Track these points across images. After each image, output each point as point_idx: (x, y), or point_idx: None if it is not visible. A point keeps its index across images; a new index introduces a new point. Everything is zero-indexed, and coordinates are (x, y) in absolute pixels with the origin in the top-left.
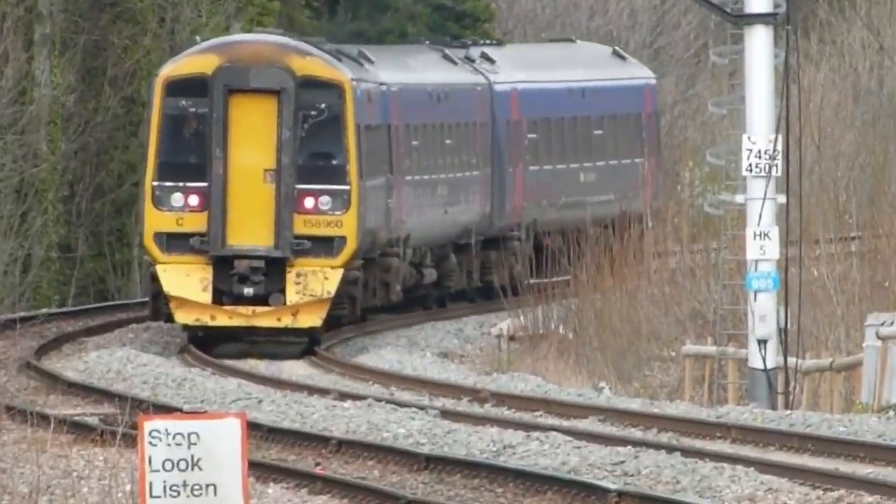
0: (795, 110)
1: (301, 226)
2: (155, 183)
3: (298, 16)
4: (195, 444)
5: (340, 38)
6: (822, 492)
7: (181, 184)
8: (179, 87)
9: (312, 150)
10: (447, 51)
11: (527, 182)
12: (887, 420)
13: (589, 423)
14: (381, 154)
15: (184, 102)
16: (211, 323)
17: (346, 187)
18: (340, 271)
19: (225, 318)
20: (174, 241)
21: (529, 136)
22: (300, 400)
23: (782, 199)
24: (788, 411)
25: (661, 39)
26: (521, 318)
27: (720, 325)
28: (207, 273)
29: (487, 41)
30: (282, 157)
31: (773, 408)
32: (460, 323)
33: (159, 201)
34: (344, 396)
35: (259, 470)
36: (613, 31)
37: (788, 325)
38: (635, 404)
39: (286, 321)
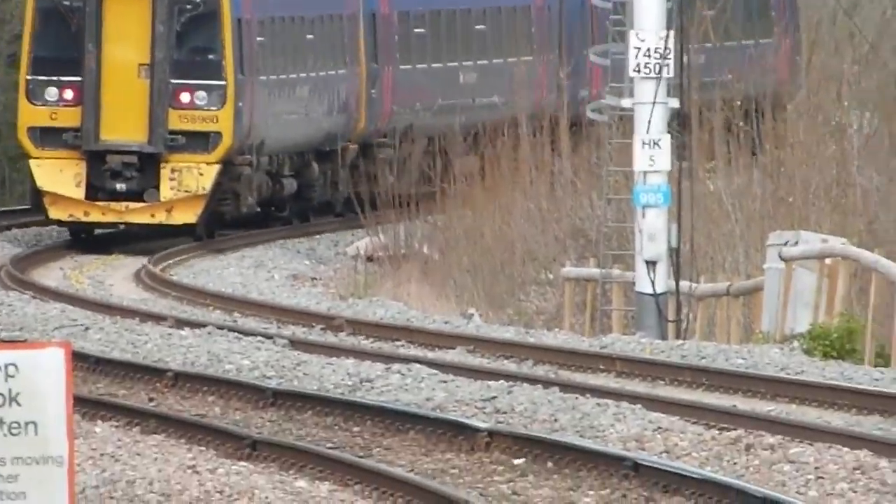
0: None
1: (176, 121)
2: (29, 77)
3: None
4: (13, 376)
5: None
6: (717, 431)
7: (55, 78)
8: None
9: (189, 46)
10: None
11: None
12: (790, 351)
13: (456, 355)
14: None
15: None
16: (84, 219)
17: (222, 83)
18: (216, 167)
19: (98, 214)
20: (48, 136)
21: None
22: (132, 327)
23: (674, 103)
24: (680, 341)
25: None
26: (381, 236)
27: (604, 244)
28: (81, 168)
29: None
30: (156, 52)
31: (664, 338)
32: (313, 241)
33: (33, 95)
34: (181, 323)
35: (86, 406)
36: None
37: (681, 245)
38: (508, 333)
39: (160, 217)
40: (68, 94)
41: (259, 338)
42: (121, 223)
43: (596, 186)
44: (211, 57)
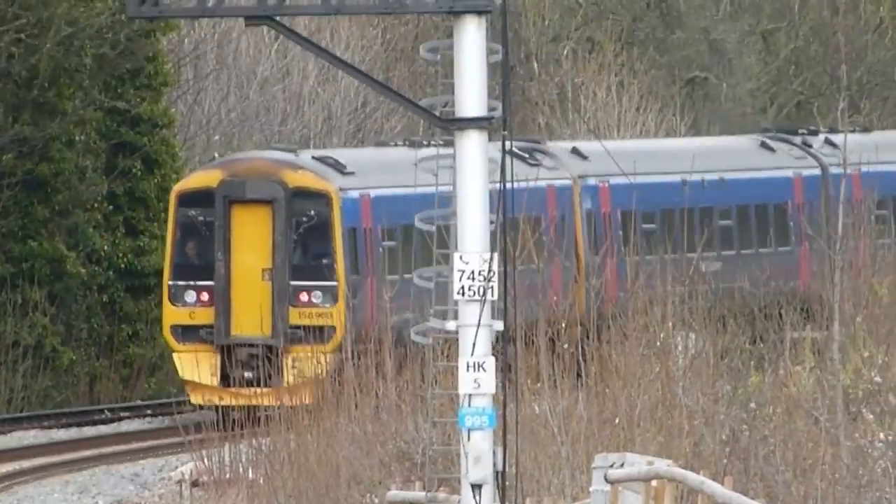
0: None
1: (296, 317)
2: (170, 282)
3: None
4: None
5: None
6: None
7: (192, 283)
8: (189, 199)
9: (305, 252)
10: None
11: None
12: None
13: None
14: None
15: (193, 212)
16: (219, 403)
17: (334, 283)
18: (331, 356)
19: (230, 398)
20: (187, 333)
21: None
22: None
23: (499, 325)
24: None
25: (362, 146)
26: (206, 460)
27: (430, 467)
28: (215, 360)
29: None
30: (276, 259)
31: None
32: (137, 466)
33: (174, 297)
34: None
35: None
36: (310, 135)
37: (506, 468)
38: None
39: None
40: (204, 297)
41: None
42: (250, 406)
43: (421, 409)
44: (325, 261)
